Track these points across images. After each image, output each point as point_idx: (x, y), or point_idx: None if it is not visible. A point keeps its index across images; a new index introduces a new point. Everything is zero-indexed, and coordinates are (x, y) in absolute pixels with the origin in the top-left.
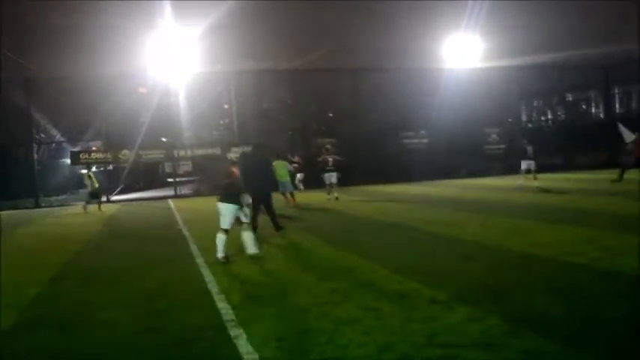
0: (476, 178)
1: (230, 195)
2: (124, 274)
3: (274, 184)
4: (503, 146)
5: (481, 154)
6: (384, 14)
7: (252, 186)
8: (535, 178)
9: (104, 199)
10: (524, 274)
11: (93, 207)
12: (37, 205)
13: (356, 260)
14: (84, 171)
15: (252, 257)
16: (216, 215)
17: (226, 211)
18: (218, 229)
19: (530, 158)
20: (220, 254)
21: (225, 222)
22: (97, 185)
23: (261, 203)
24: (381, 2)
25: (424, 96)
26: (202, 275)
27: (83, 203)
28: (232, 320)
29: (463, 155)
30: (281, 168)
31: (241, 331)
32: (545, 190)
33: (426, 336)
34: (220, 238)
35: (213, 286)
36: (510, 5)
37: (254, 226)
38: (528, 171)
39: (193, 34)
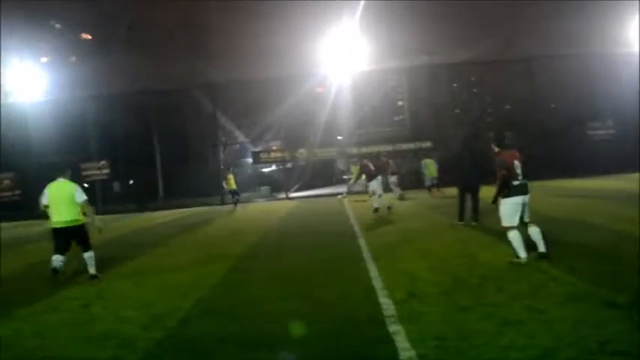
0: None
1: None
2: (294, 266)
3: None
4: None
5: None
6: None
7: (467, 177)
8: None
9: (283, 195)
10: None
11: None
12: (223, 202)
13: (527, 259)
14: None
15: (540, 257)
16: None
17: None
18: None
19: None
20: (523, 254)
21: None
22: (234, 187)
23: (471, 192)
24: None
25: (610, 83)
26: (368, 271)
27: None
28: (392, 316)
29: None
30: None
31: (400, 327)
32: None
33: (598, 342)
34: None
35: (377, 282)
36: None
37: (461, 216)
38: None
39: (367, 32)
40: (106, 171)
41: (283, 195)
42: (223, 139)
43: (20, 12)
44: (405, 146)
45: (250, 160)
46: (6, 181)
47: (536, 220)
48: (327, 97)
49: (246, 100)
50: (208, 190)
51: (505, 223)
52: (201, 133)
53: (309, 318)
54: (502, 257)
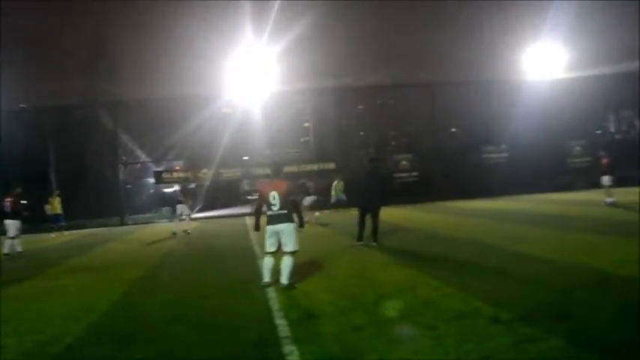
0: (559, 193)
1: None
2: (191, 289)
3: (385, 197)
4: (588, 159)
5: (565, 167)
6: (462, 26)
7: (367, 198)
8: (609, 193)
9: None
10: (597, 294)
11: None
12: (123, 223)
13: (421, 278)
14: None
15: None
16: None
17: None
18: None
19: (607, 172)
20: (266, 279)
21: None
22: (59, 211)
23: (371, 213)
24: (458, 15)
25: (505, 109)
26: (266, 292)
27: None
28: (287, 337)
29: (546, 169)
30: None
31: (294, 348)
32: (624, 206)
33: (481, 357)
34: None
35: (274, 303)
36: (594, 12)
37: (361, 237)
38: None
39: (274, 54)
40: None
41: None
42: (124, 158)
43: None
44: (309, 167)
45: (152, 180)
46: None
47: (437, 239)
48: (233, 118)
49: (149, 119)
50: (107, 211)
51: (265, 248)
52: (101, 152)
53: (202, 341)
54: (398, 276)
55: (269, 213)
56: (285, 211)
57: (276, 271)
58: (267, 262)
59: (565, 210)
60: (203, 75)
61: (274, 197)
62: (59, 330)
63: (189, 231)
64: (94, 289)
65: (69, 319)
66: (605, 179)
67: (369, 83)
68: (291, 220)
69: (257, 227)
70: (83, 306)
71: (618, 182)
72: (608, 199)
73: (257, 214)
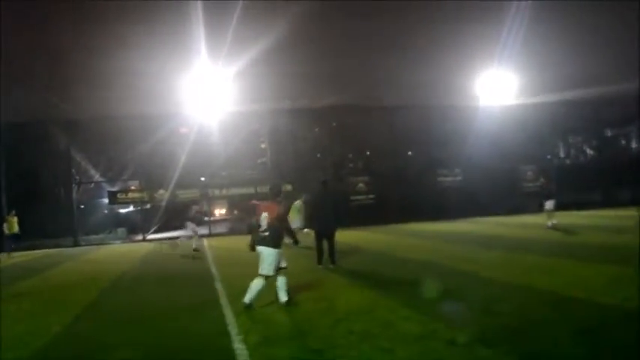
0: (511, 216)
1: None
2: (146, 312)
3: (341, 220)
4: (539, 183)
5: (517, 191)
6: (418, 52)
7: (323, 221)
8: (551, 217)
9: (140, 237)
10: (550, 315)
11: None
12: (76, 244)
13: (378, 300)
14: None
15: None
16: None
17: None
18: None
19: (549, 197)
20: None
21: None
22: (16, 231)
23: (326, 236)
24: (414, 40)
25: (459, 133)
26: (224, 316)
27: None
28: None
29: (498, 193)
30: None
31: None
32: (567, 229)
33: None
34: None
35: (232, 327)
36: (545, 41)
37: (319, 260)
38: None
39: (231, 75)
40: None
41: (140, 237)
42: (77, 177)
43: None
44: (266, 188)
45: (106, 200)
46: None
47: (394, 261)
48: (190, 138)
49: (104, 137)
50: (60, 231)
51: None
52: (54, 171)
53: None
54: (356, 299)
55: (260, 234)
56: (268, 234)
57: (271, 287)
58: (257, 284)
59: (516, 232)
60: (160, 94)
61: (264, 218)
62: (5, 358)
63: (176, 249)
64: (43, 313)
65: (17, 345)
66: (549, 203)
67: (325, 105)
68: (271, 245)
69: (251, 247)
70: (33, 330)
71: (563, 206)
72: (549, 223)
73: (251, 233)
